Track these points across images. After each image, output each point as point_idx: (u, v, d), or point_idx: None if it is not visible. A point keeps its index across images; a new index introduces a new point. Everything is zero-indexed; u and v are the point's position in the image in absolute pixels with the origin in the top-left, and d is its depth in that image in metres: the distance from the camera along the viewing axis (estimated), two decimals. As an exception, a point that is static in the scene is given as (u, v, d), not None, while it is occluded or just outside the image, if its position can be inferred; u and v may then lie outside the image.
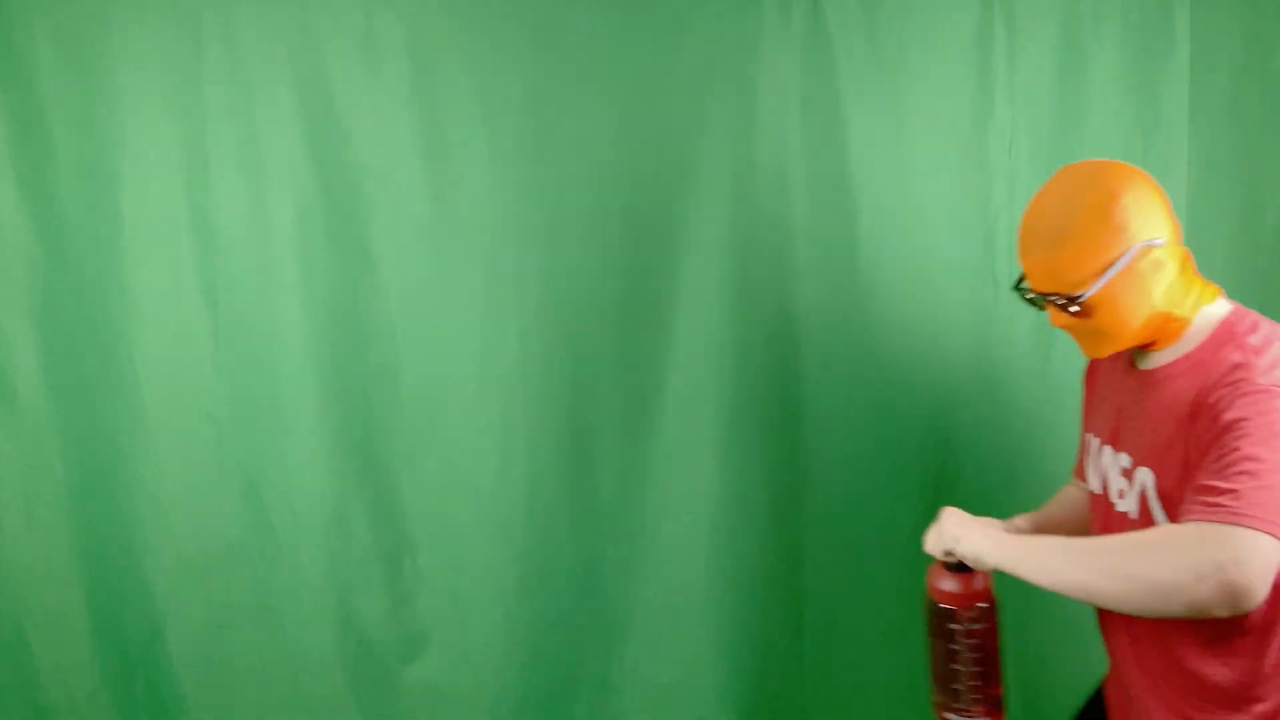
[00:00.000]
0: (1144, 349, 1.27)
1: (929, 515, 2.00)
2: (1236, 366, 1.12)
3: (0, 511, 1.78)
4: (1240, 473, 1.04)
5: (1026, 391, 2.02)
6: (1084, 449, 1.45)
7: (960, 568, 1.29)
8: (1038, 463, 2.01)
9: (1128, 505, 1.27)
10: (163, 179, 1.78)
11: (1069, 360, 2.00)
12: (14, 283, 1.75)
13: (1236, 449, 1.06)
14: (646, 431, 1.94)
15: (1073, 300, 1.17)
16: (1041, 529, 1.44)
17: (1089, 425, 1.41)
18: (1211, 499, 1.04)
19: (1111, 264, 1.15)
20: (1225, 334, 1.18)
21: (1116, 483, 1.28)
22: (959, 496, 2.01)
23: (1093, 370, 1.47)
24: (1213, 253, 2.03)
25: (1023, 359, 2.01)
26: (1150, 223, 1.17)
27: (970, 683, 1.30)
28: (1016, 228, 1.27)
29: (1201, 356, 1.18)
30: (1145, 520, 1.24)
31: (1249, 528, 1.01)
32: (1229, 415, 1.08)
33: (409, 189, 1.84)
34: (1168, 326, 1.21)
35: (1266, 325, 1.19)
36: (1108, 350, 1.24)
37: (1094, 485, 1.37)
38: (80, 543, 1.81)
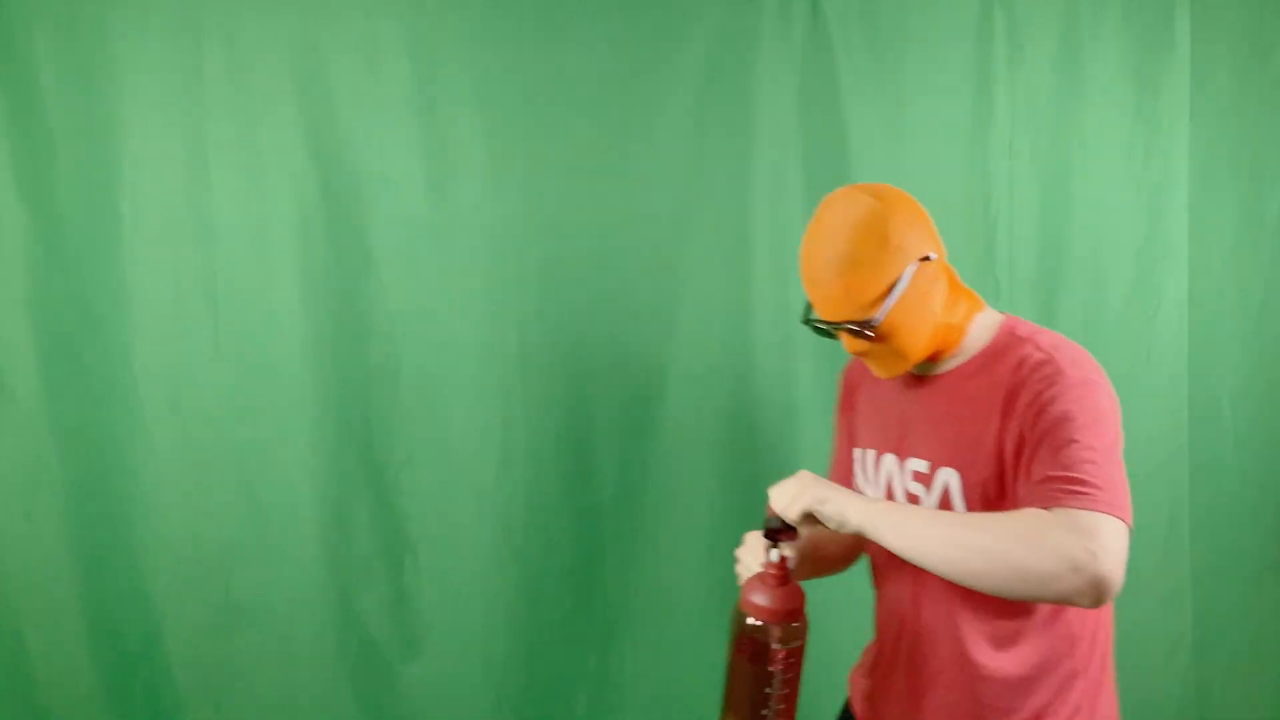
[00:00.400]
0: (926, 359, 1.27)
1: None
2: (1043, 363, 1.15)
3: (-1, 512, 1.78)
4: (1085, 462, 1.07)
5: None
6: (846, 464, 1.44)
7: (780, 572, 1.19)
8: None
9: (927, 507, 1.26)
10: (163, 179, 1.78)
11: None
12: (14, 283, 1.75)
13: (1074, 440, 1.08)
14: (646, 431, 1.94)
15: (866, 325, 1.18)
16: (809, 553, 1.38)
17: (860, 440, 1.39)
18: (1069, 486, 1.06)
19: (895, 284, 1.18)
20: (1009, 336, 1.22)
21: (909, 488, 1.27)
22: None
23: (852, 388, 1.45)
24: (1213, 253, 2.03)
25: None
26: (922, 239, 1.21)
27: (779, 707, 1.19)
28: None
29: (992, 357, 1.21)
30: None
31: (1110, 515, 1.04)
32: (1056, 409, 1.11)
33: (409, 189, 1.84)
34: (949, 336, 1.23)
35: (1042, 329, 1.25)
36: (903, 368, 1.24)
37: (874, 496, 1.33)
38: (78, 543, 1.80)
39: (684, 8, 1.88)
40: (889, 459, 1.31)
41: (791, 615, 1.17)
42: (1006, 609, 1.19)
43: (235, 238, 1.81)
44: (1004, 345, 1.21)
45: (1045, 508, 1.06)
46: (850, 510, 1.16)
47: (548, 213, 1.88)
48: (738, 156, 1.93)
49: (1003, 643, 1.21)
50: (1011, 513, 1.09)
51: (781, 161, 1.94)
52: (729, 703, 1.21)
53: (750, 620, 1.17)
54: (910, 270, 1.18)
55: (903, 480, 1.28)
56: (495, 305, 1.88)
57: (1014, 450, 1.14)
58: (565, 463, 1.92)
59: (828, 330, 1.25)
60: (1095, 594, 1.02)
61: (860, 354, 1.24)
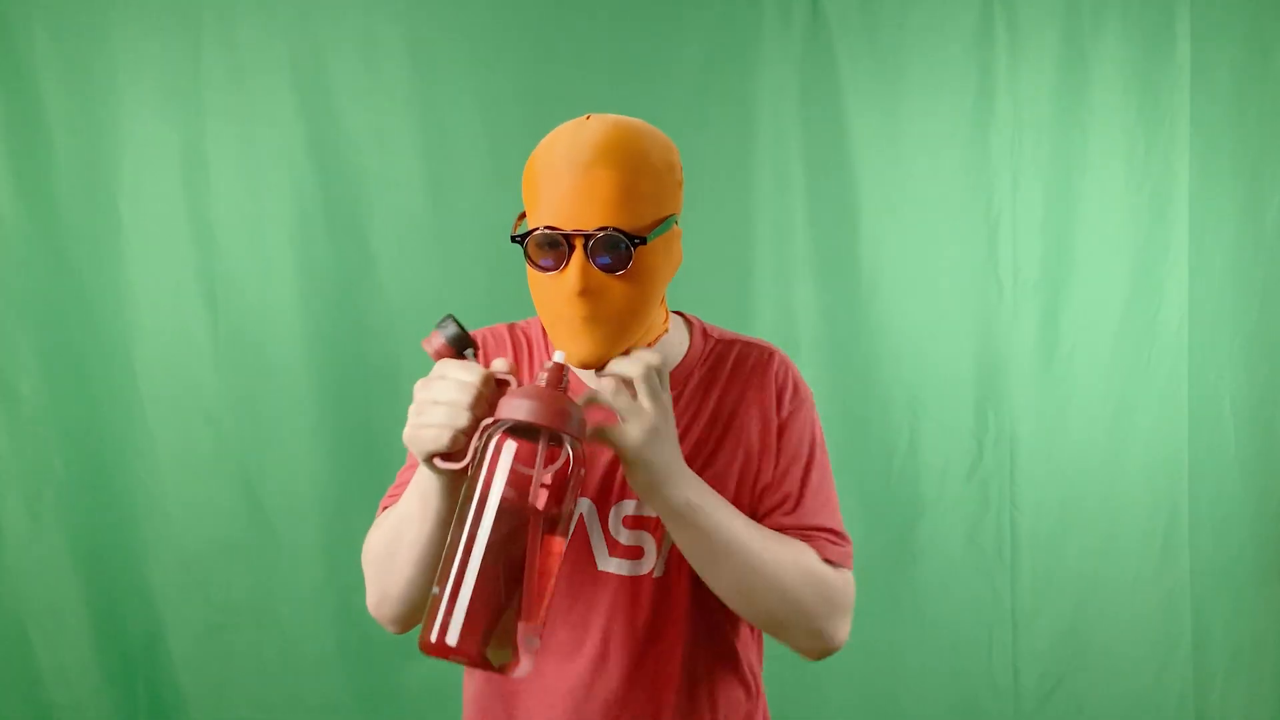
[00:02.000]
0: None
1: (926, 515, 2.01)
2: (781, 374, 1.02)
3: (0, 512, 1.78)
4: (830, 510, 1.00)
5: (1028, 392, 2.02)
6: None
7: (560, 376, 0.83)
8: (1041, 463, 2.01)
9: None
10: (162, 179, 1.78)
11: (1071, 360, 2.00)
12: (14, 283, 1.75)
13: (809, 469, 1.00)
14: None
15: (632, 240, 0.86)
16: None
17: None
18: (828, 538, 0.98)
19: (664, 220, 0.90)
20: (706, 340, 1.06)
21: (619, 539, 1.00)
22: (959, 496, 2.01)
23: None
24: (1213, 253, 2.03)
25: (1024, 359, 2.01)
26: (681, 200, 0.95)
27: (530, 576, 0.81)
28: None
29: (704, 367, 1.03)
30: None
31: (850, 570, 1.00)
32: (793, 428, 1.00)
33: (409, 189, 1.84)
34: (651, 331, 0.98)
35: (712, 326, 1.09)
36: (613, 348, 0.90)
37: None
38: (80, 543, 1.81)
39: (684, 7, 1.88)
40: (584, 505, 0.99)
41: (565, 419, 0.79)
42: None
43: (235, 237, 1.81)
44: (706, 351, 1.04)
45: (817, 554, 0.96)
46: (674, 460, 0.88)
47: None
48: (738, 156, 1.93)
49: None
50: (795, 544, 0.96)
51: (781, 161, 1.94)
52: (445, 574, 0.80)
53: (507, 438, 0.79)
54: (674, 220, 0.92)
55: (604, 535, 0.99)
56: (495, 305, 1.87)
57: (767, 467, 1.00)
58: (565, 462, 1.92)
59: (550, 242, 0.87)
60: (833, 649, 0.98)
61: (587, 295, 0.87)
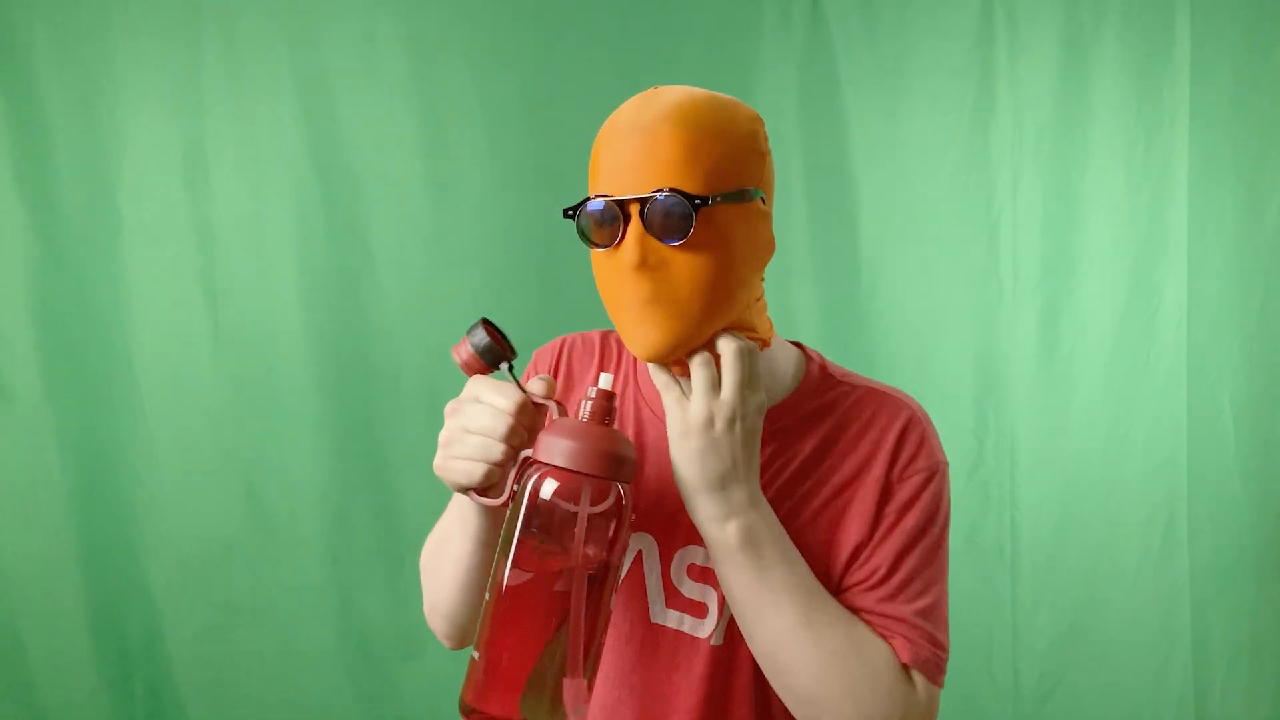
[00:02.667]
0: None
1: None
2: (906, 431, 0.85)
3: (-1, 511, 1.78)
4: (927, 604, 0.81)
5: (1028, 392, 2.02)
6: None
7: (609, 404, 0.76)
8: (1041, 463, 2.01)
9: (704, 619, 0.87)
10: (162, 179, 1.78)
11: (1072, 360, 2.00)
12: (14, 283, 1.75)
13: (911, 548, 0.82)
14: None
15: (693, 202, 0.73)
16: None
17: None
18: (917, 636, 0.80)
19: (743, 189, 0.77)
20: (826, 379, 0.89)
21: (685, 593, 0.87)
22: (960, 495, 2.01)
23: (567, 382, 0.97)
24: (1213, 252, 2.03)
25: (1024, 358, 2.01)
26: (772, 179, 0.82)
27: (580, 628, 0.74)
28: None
29: (809, 406, 0.87)
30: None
31: (939, 687, 0.81)
32: (903, 494, 0.83)
33: (409, 188, 1.84)
34: (746, 318, 0.81)
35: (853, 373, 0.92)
36: (680, 334, 0.76)
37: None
38: (79, 543, 1.80)
39: (684, 7, 1.88)
40: (645, 542, 0.86)
41: (618, 464, 0.72)
42: None
43: (235, 237, 1.81)
44: (821, 388, 0.88)
45: (889, 642, 0.80)
46: (753, 497, 0.76)
47: (547, 212, 1.88)
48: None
49: None
50: (856, 624, 0.79)
51: (782, 161, 1.94)
52: (485, 637, 0.73)
53: (546, 478, 0.72)
54: (757, 194, 0.79)
55: (663, 581, 0.86)
56: (495, 305, 1.87)
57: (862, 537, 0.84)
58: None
59: (608, 217, 0.75)
60: None
61: (646, 271, 0.75)
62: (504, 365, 0.76)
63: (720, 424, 0.74)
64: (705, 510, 0.75)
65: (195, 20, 1.76)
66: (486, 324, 0.76)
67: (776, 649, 0.77)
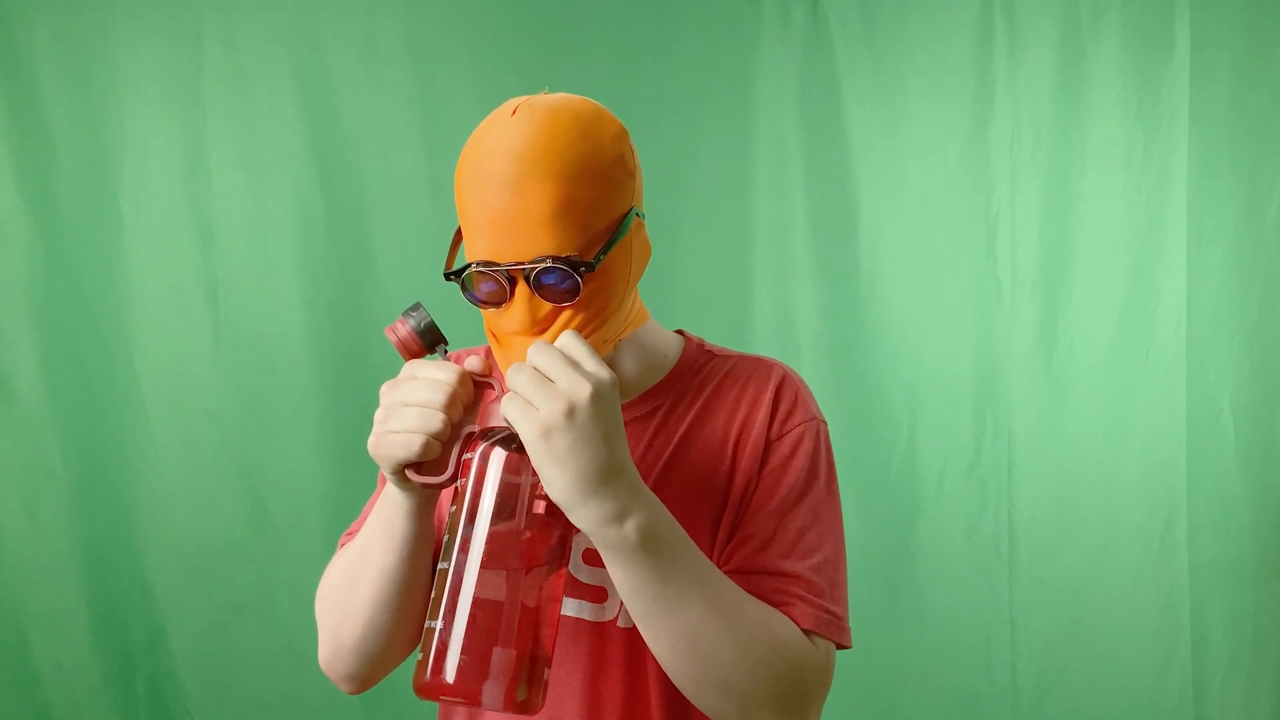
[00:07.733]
0: None
1: (924, 514, 2.02)
2: (780, 390, 0.86)
3: (0, 511, 1.79)
4: (819, 560, 0.81)
5: (1027, 391, 2.02)
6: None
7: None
8: (1039, 462, 2.01)
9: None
10: (163, 179, 1.79)
11: (1070, 359, 2.00)
12: (14, 283, 1.76)
13: (797, 504, 0.82)
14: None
15: (577, 267, 0.73)
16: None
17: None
18: (814, 597, 0.79)
19: (619, 222, 0.77)
20: (702, 353, 0.91)
21: (579, 577, 0.86)
22: (958, 495, 2.01)
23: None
24: (1212, 252, 2.02)
25: (1023, 358, 2.01)
26: (641, 185, 0.82)
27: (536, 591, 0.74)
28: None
29: (688, 380, 0.88)
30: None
31: (840, 647, 0.81)
32: (783, 450, 0.83)
33: (409, 188, 1.85)
34: (617, 339, 0.83)
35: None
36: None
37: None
38: (81, 541, 1.81)
39: (684, 7, 1.88)
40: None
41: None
42: None
43: (235, 237, 1.82)
44: (698, 362, 0.90)
45: (791, 614, 0.78)
46: (636, 490, 0.71)
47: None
48: (737, 156, 1.92)
49: None
50: (767, 608, 0.77)
51: (781, 161, 1.94)
52: (437, 607, 0.70)
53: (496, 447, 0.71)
54: (634, 215, 0.79)
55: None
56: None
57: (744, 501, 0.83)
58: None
59: (498, 276, 0.75)
60: None
61: (534, 327, 0.76)
62: (440, 349, 0.76)
63: (581, 409, 0.67)
64: (596, 513, 0.69)
65: (196, 20, 1.77)
66: (423, 307, 0.77)
67: (689, 645, 0.73)
